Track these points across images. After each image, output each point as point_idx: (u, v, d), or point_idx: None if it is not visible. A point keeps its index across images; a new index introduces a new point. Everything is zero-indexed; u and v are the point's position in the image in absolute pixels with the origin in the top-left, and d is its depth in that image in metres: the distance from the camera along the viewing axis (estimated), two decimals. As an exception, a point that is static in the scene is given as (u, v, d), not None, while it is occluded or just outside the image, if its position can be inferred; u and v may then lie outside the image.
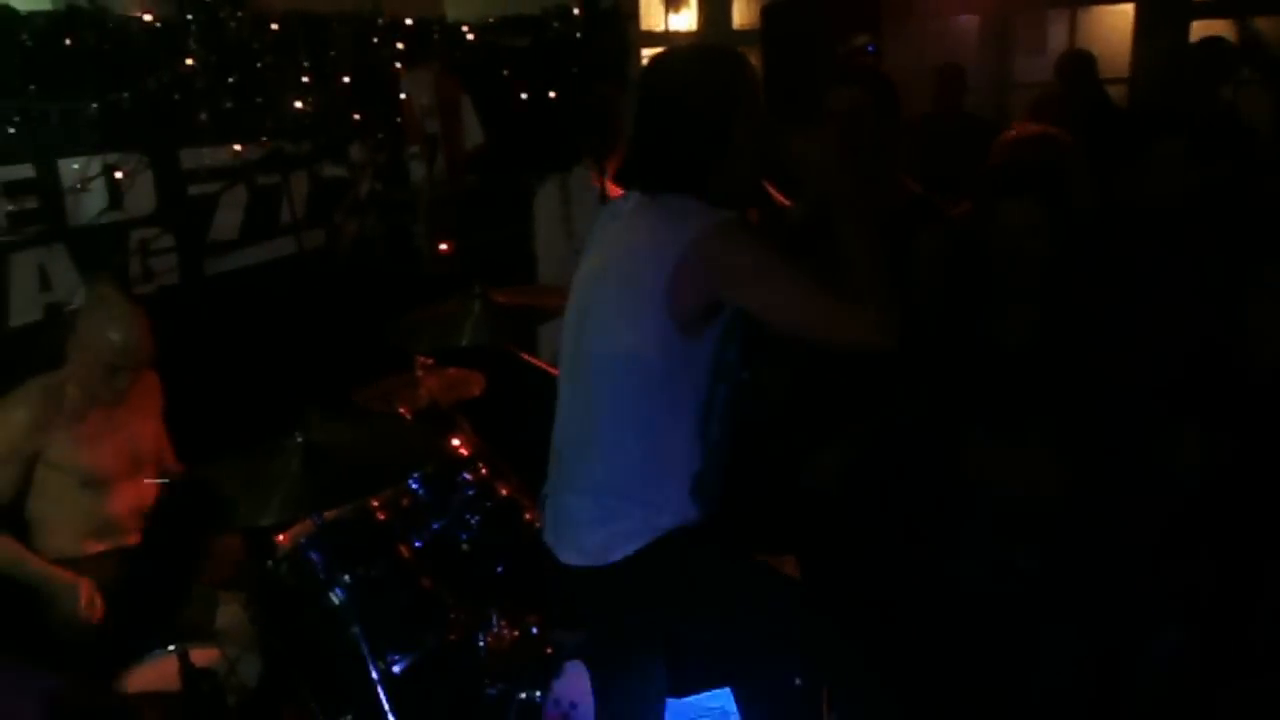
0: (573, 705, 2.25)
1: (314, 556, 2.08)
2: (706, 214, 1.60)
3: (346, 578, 2.03)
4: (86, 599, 2.24)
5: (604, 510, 1.70)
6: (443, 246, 4.28)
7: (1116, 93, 5.10)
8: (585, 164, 3.18)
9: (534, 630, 2.28)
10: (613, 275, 1.70)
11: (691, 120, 1.64)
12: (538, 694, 2.17)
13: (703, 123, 1.63)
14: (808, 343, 1.68)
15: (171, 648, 2.16)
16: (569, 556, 1.74)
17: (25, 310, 2.94)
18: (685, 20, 6.01)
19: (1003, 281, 2.12)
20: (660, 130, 1.68)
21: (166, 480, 1.82)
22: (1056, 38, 6.14)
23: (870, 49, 5.23)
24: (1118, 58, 5.58)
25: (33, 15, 2.99)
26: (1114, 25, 5.88)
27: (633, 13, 5.61)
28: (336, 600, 2.04)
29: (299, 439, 1.97)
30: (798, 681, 1.89)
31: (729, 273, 1.58)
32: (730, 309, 1.65)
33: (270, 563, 2.15)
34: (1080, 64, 4.57)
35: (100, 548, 2.40)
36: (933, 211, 2.36)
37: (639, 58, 5.75)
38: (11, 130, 2.87)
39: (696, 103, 1.64)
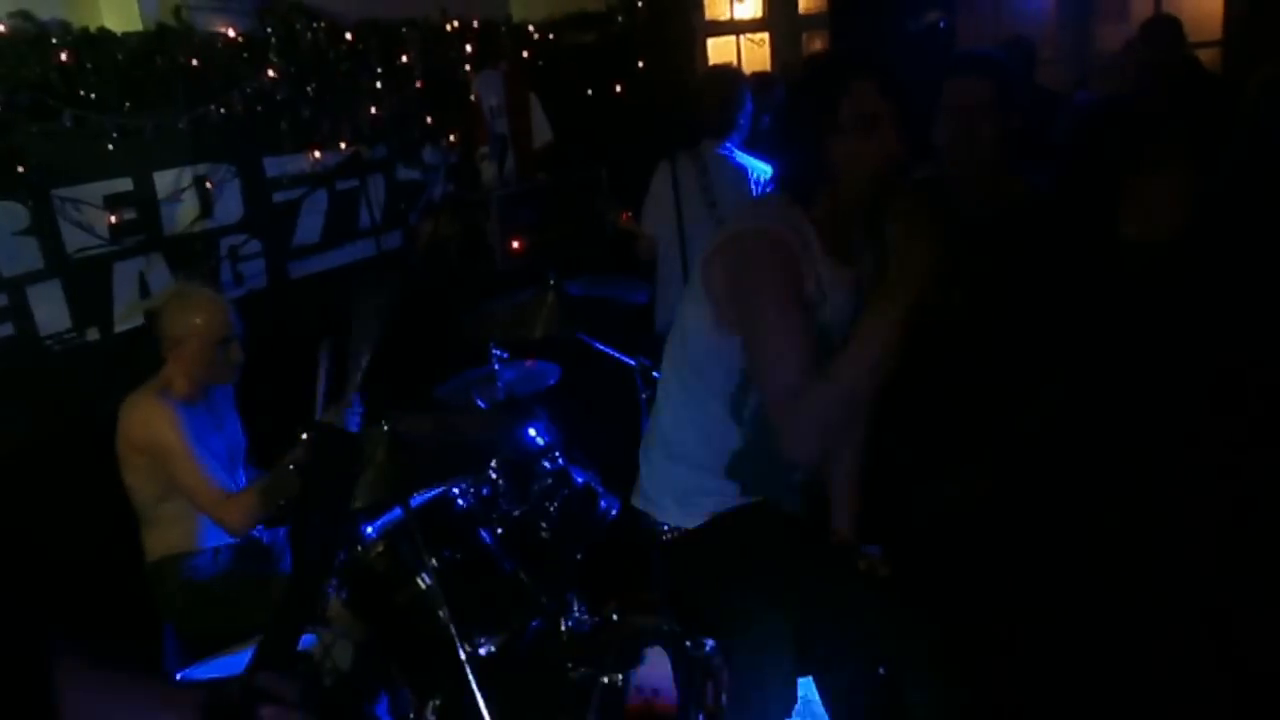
0: (655, 691, 2.26)
1: (402, 542, 2.14)
2: (758, 219, 1.66)
3: (434, 562, 2.08)
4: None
5: (659, 470, 1.86)
6: (515, 244, 4.35)
7: (1208, 57, 4.86)
8: (708, 141, 3.22)
9: (614, 616, 2.31)
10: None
11: (788, 134, 1.71)
12: (619, 678, 2.19)
13: (796, 137, 1.68)
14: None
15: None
16: (639, 501, 1.92)
17: (128, 316, 3.11)
18: (750, 8, 5.95)
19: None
20: (779, 144, 1.78)
21: (311, 433, 1.89)
22: (1139, 3, 5.88)
23: (943, 24, 5.10)
24: (1208, 20, 5.31)
25: (127, 36, 3.14)
26: (1202, -13, 5.59)
27: (696, 2, 5.60)
28: (424, 584, 2.10)
29: (385, 428, 2.03)
30: (881, 670, 1.87)
31: (726, 277, 1.63)
32: None
33: (360, 549, 2.22)
34: (1165, 29, 4.36)
35: (209, 543, 2.52)
36: (1053, 209, 2.17)
37: (704, 47, 5.74)
38: (111, 146, 3.03)
39: (795, 116, 1.70)
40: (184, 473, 2.35)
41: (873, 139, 1.57)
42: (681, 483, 1.84)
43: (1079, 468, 1.85)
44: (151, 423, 2.38)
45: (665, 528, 1.86)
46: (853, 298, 1.74)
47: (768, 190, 1.82)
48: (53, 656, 0.93)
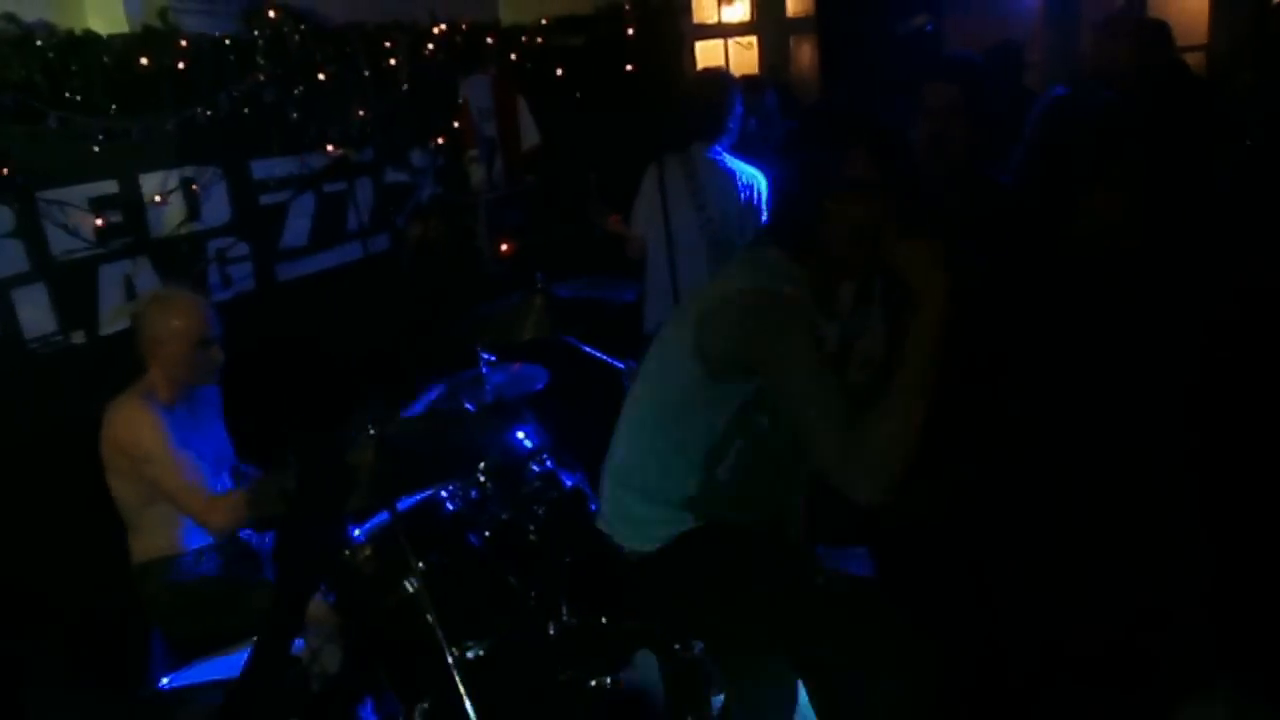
0: (643, 693, 2.26)
1: (389, 546, 2.14)
2: (763, 275, 1.62)
3: (421, 566, 2.08)
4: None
5: (616, 499, 1.88)
6: (503, 246, 4.35)
7: (1194, 60, 4.89)
8: (698, 145, 3.22)
9: (602, 619, 2.31)
10: (695, 293, 1.82)
11: (786, 186, 1.71)
12: (608, 681, 2.19)
13: (793, 190, 1.67)
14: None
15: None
16: (601, 523, 1.93)
17: (114, 319, 3.09)
18: (738, 12, 5.95)
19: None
20: (775, 191, 1.76)
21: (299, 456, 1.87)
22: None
23: (929, 28, 5.12)
24: (1193, 24, 5.35)
25: (112, 38, 3.12)
26: (1187, -8, 5.63)
27: (685, 6, 5.60)
28: (412, 588, 2.09)
29: (372, 432, 2.03)
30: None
31: (759, 342, 1.58)
32: None
33: (348, 552, 2.22)
34: (1153, 33, 4.39)
35: (194, 546, 2.51)
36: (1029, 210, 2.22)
37: (692, 51, 5.74)
38: (96, 149, 3.01)
39: (790, 174, 1.69)
40: (167, 477, 2.35)
41: (863, 206, 1.58)
42: (636, 511, 1.85)
43: (1052, 468, 1.87)
44: (135, 427, 2.38)
45: (624, 549, 1.88)
46: (834, 351, 1.75)
47: (761, 241, 1.76)
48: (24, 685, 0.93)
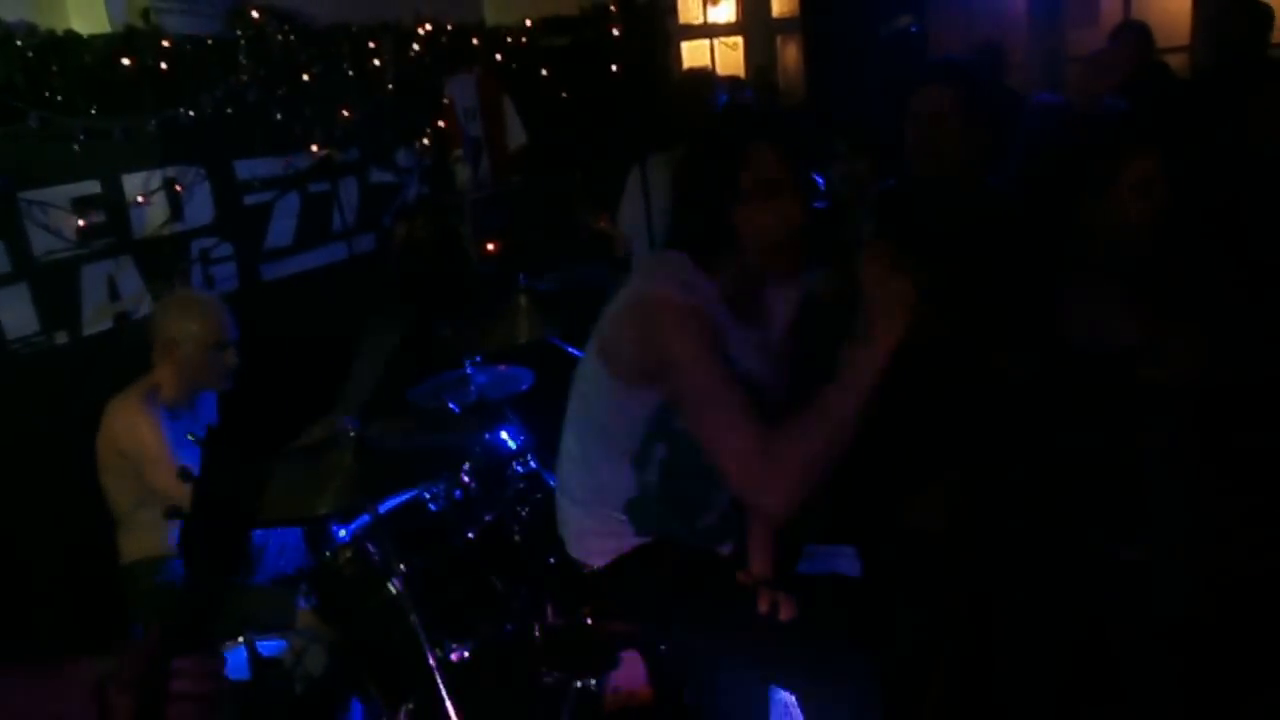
0: (631, 695, 2.26)
1: (371, 548, 2.14)
2: (658, 280, 1.58)
3: (403, 568, 2.07)
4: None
5: (563, 511, 1.88)
6: (489, 246, 4.35)
7: (1177, 62, 4.93)
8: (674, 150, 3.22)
9: (587, 620, 2.31)
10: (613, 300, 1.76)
11: (689, 198, 1.65)
12: (594, 682, 2.19)
13: (695, 201, 1.62)
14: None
15: (240, 639, 2.25)
16: (560, 530, 1.93)
17: (96, 319, 3.08)
18: (724, 12, 5.97)
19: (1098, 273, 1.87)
20: (675, 200, 1.69)
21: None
22: (1109, 8, 5.96)
23: (914, 29, 5.14)
24: (1176, 25, 5.39)
25: (94, 38, 3.11)
26: (1170, -8, 5.67)
27: (670, 6, 5.61)
28: (394, 590, 2.09)
29: (352, 433, 2.03)
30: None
31: (654, 348, 1.55)
32: None
33: (329, 554, 2.21)
34: (1135, 35, 4.43)
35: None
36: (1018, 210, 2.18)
37: (678, 51, 5.76)
38: (77, 148, 3.00)
39: (694, 182, 1.64)
40: (163, 479, 2.34)
41: (773, 207, 1.53)
42: (580, 523, 1.86)
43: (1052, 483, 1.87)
44: (135, 429, 2.38)
45: (578, 561, 1.89)
46: (761, 360, 1.70)
47: (666, 246, 1.72)
48: None
